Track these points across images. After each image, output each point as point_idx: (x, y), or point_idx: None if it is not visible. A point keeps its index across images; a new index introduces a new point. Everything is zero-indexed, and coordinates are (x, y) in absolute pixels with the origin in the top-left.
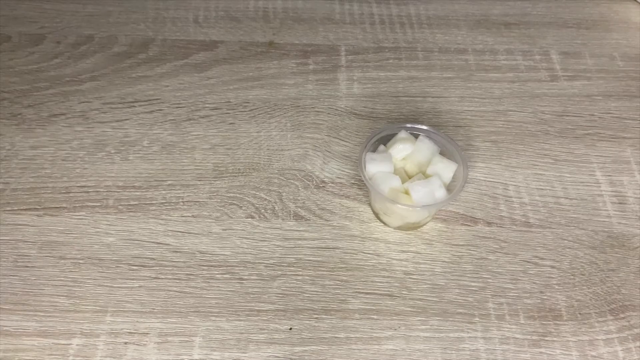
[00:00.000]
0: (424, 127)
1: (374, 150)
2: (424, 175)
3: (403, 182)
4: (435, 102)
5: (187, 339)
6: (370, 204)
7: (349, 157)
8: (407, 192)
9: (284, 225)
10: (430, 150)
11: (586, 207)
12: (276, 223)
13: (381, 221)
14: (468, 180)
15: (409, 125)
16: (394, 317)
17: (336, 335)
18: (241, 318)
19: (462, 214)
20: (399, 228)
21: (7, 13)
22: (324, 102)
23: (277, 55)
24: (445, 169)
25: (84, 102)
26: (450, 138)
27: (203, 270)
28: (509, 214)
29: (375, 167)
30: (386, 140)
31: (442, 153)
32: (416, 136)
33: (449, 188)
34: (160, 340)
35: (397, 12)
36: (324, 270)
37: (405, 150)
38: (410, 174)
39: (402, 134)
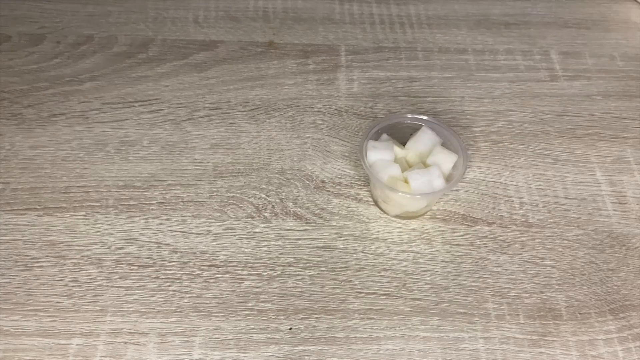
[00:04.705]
0: (425, 118)
1: (377, 139)
2: (424, 165)
3: (404, 171)
4: (435, 102)
5: (187, 339)
6: (370, 192)
7: (348, 157)
8: (406, 181)
9: (284, 225)
10: (432, 141)
11: (586, 207)
12: (276, 223)
13: (380, 209)
14: (468, 181)
15: (411, 116)
16: (394, 317)
17: (336, 335)
18: (241, 318)
19: (462, 214)
20: (398, 216)
21: (7, 13)
22: (323, 102)
23: (277, 55)
24: (446, 160)
25: (84, 102)
26: (452, 129)
27: (203, 270)
28: (509, 214)
29: (376, 155)
30: (388, 129)
31: (444, 145)
32: (419, 127)
33: (448, 179)
34: (160, 340)
35: (397, 12)
36: (324, 270)
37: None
38: (412, 163)
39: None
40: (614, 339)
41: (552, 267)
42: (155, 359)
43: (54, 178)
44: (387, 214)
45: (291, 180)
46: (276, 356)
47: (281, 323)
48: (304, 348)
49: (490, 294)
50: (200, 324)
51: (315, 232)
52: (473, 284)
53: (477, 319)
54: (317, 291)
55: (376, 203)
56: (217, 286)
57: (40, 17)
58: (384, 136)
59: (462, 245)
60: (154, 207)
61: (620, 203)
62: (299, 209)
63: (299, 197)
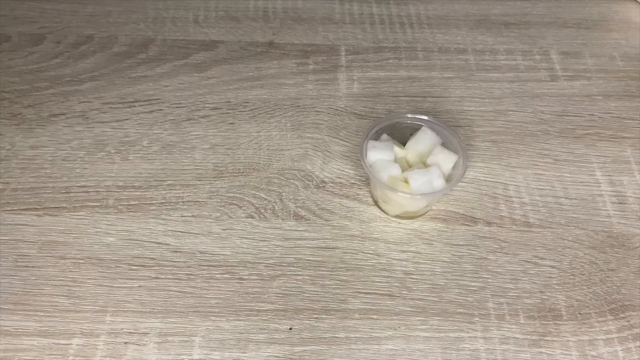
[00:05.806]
0: (425, 118)
1: (377, 139)
2: (424, 165)
3: (404, 171)
4: (435, 102)
5: (187, 339)
6: (370, 192)
7: (349, 157)
8: (406, 181)
9: (284, 225)
10: (432, 141)
11: (586, 207)
12: (276, 223)
13: (380, 209)
14: (468, 181)
15: (411, 116)
16: (394, 317)
17: (336, 335)
18: (241, 318)
19: (462, 214)
20: (398, 216)
21: (7, 13)
22: (324, 102)
23: (277, 55)
24: (446, 160)
25: (84, 102)
26: (452, 129)
27: (203, 270)
28: (509, 214)
29: (376, 155)
30: (388, 129)
31: (444, 145)
32: (419, 127)
33: (448, 179)
34: (160, 340)
35: (397, 12)
36: (324, 270)
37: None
38: (412, 163)
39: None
40: (614, 339)
41: (552, 267)
42: (155, 359)
43: (54, 178)
44: (387, 214)
45: (291, 180)
46: (276, 356)
47: (281, 323)
48: (304, 348)
49: (490, 294)
50: (200, 324)
51: (315, 232)
52: (473, 284)
53: (477, 319)
54: (317, 291)
55: (376, 203)
56: (217, 286)
57: (40, 17)
58: (384, 136)
59: (462, 245)
60: (154, 207)
61: (620, 203)
62: (299, 209)
63: (299, 197)
